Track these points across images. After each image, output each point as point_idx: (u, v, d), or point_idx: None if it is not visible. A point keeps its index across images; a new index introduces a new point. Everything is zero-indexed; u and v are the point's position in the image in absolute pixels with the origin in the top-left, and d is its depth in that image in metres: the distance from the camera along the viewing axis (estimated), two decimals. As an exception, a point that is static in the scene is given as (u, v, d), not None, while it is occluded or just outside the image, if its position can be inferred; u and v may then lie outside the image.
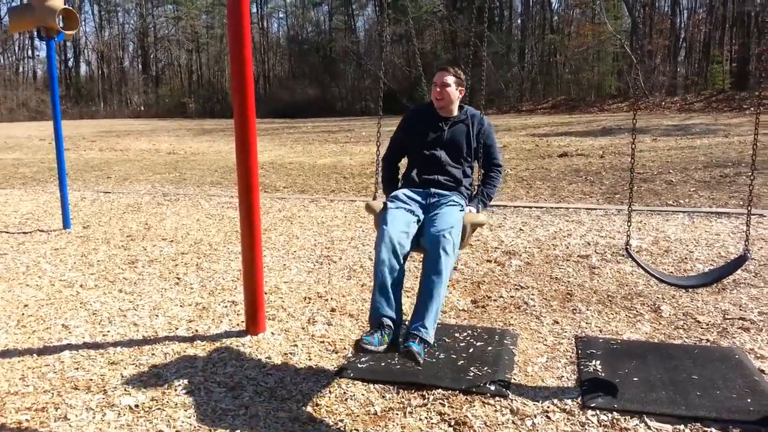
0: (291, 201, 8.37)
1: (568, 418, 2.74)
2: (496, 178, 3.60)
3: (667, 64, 31.74)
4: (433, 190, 3.38)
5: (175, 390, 3.07)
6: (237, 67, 3.54)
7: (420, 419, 2.77)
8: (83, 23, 49.11)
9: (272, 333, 3.79)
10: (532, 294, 4.40)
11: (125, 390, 3.07)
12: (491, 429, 2.68)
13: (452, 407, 2.85)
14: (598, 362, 3.22)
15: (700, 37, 35.10)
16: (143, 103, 47.86)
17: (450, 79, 3.43)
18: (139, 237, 6.38)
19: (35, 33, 6.62)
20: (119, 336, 3.78)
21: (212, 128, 26.87)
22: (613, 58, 33.34)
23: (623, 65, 30.54)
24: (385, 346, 2.82)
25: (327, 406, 2.90)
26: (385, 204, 3.32)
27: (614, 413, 2.75)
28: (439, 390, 2.99)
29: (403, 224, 3.12)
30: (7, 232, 6.69)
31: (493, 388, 2.98)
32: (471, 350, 3.42)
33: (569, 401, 2.88)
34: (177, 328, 3.90)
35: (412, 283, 4.21)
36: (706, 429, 2.61)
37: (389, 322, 2.90)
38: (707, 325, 3.76)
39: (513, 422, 2.73)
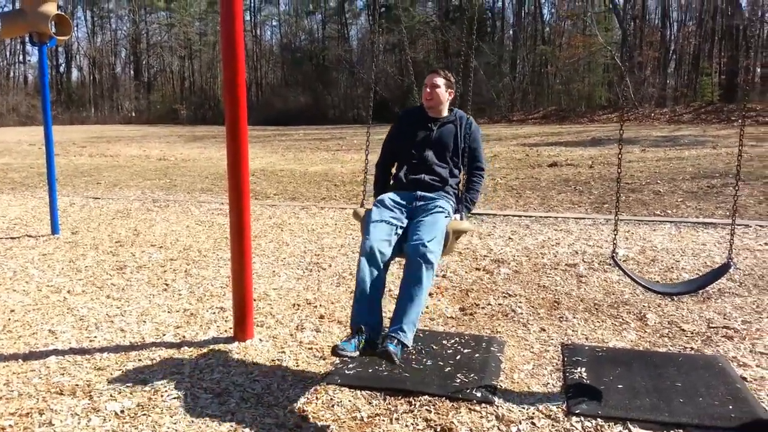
0: (281, 208, 8.38)
1: (553, 425, 2.76)
2: (478, 182, 3.64)
3: (657, 76, 32.02)
4: (419, 193, 3.42)
5: (162, 396, 3.07)
6: (229, 74, 3.56)
7: (406, 425, 2.78)
8: (76, 29, 49.02)
9: (260, 339, 3.79)
10: (520, 302, 4.43)
11: (111, 395, 3.06)
12: (476, 435, 2.69)
13: (438, 413, 2.87)
14: (584, 369, 3.24)
15: (690, 49, 35.49)
16: (134, 109, 47.78)
17: (440, 81, 3.52)
18: (128, 243, 6.37)
19: (27, 38, 6.63)
20: (106, 342, 3.77)
21: (203, 135, 26.84)
22: (603, 70, 33.63)
23: (613, 76, 30.79)
24: (358, 352, 2.87)
25: (314, 413, 2.90)
26: (369, 210, 3.35)
27: (598, 420, 2.77)
28: (426, 396, 3.00)
29: (385, 232, 3.16)
30: (-5, 237, 6.66)
31: (479, 394, 3.00)
32: (458, 357, 3.43)
33: (554, 408, 2.90)
34: (164, 334, 3.89)
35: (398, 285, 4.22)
36: (688, 436, 2.64)
37: (368, 329, 2.95)
38: (692, 333, 3.80)
39: (498, 428, 2.74)
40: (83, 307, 4.39)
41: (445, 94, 3.54)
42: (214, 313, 4.27)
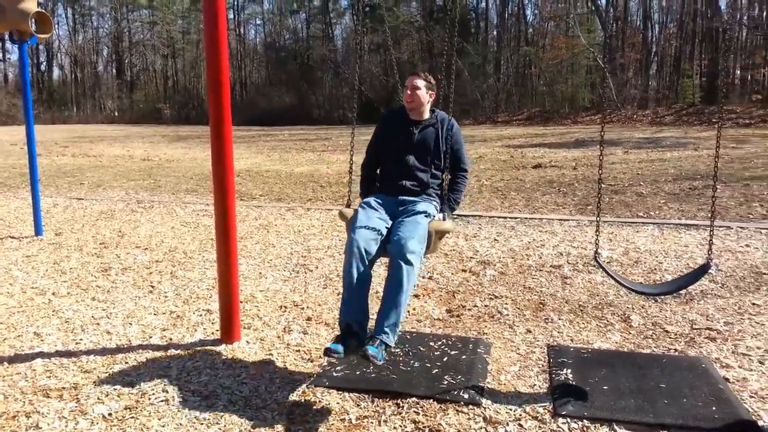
0: (267, 209, 8.36)
1: (539, 426, 2.79)
2: (462, 182, 3.68)
3: (639, 78, 32.34)
4: (401, 197, 3.49)
5: (149, 398, 3.06)
6: (213, 73, 3.56)
7: (394, 427, 2.80)
8: (56, 26, 48.47)
9: (247, 342, 3.79)
10: (506, 303, 4.46)
11: (98, 398, 3.05)
12: (464, 437, 2.72)
13: (426, 415, 2.89)
14: (569, 371, 3.28)
15: (671, 51, 35.86)
16: (117, 109, 47.34)
17: (420, 83, 3.56)
18: (112, 244, 6.32)
19: (7, 36, 6.55)
20: (92, 344, 3.75)
21: (188, 135, 26.68)
22: (586, 71, 33.89)
23: (596, 78, 31.05)
24: (344, 353, 2.93)
25: (302, 415, 2.91)
26: (355, 210, 3.42)
27: (584, 421, 2.81)
28: (414, 398, 3.02)
29: (370, 231, 3.23)
30: (-23, 239, 6.58)
31: (466, 396, 3.02)
32: (445, 359, 3.46)
33: (541, 409, 2.93)
34: (151, 337, 3.88)
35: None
36: (672, 436, 2.69)
37: (355, 327, 3.04)
38: (675, 334, 3.85)
39: (486, 430, 2.77)
40: (68, 309, 4.36)
41: (425, 96, 3.58)
42: (201, 315, 4.26)
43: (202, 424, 2.84)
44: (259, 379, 3.29)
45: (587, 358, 3.45)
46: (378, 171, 3.74)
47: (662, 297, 4.43)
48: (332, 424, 2.83)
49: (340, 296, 4.55)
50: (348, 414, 2.92)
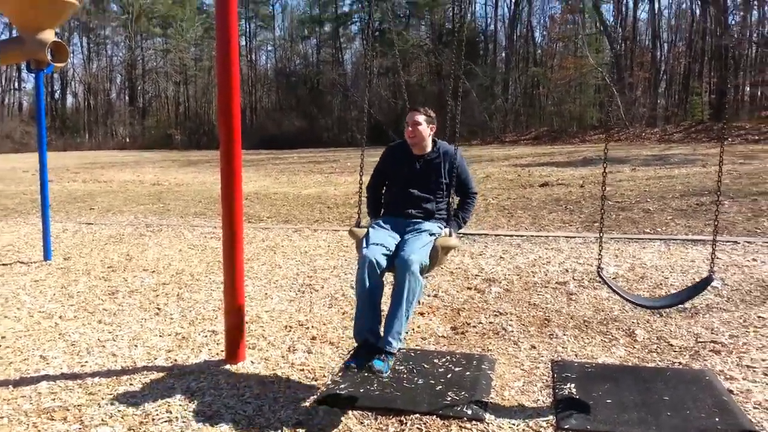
0: (274, 231, 8.41)
1: (541, 441, 2.78)
2: (471, 203, 3.80)
3: (648, 96, 32.36)
4: (408, 220, 3.60)
5: (153, 420, 3.07)
6: (224, 99, 3.63)
7: (396, 444, 2.80)
8: (72, 55, 49.29)
9: (252, 362, 3.81)
10: (511, 320, 4.45)
11: (102, 420, 3.07)
12: (466, 453, 2.71)
13: (429, 431, 2.88)
14: (573, 385, 3.27)
15: (680, 69, 35.90)
16: (129, 135, 47.84)
17: (421, 118, 3.63)
18: (120, 268, 6.38)
19: (24, 65, 6.69)
20: (97, 366, 3.78)
21: (198, 159, 26.92)
22: (594, 91, 33.97)
23: (604, 97, 31.11)
24: (362, 366, 3.10)
25: (305, 433, 2.92)
26: (366, 230, 3.52)
27: (587, 435, 2.79)
28: (417, 415, 3.02)
29: (380, 247, 3.34)
30: (-12, 264, 6.66)
31: (470, 411, 3.02)
32: (449, 375, 3.45)
33: (544, 423, 2.92)
34: (156, 358, 3.90)
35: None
36: (675, 449, 2.66)
37: (372, 339, 3.22)
38: (680, 348, 3.83)
39: (488, 446, 2.76)
40: (75, 332, 4.40)
41: (426, 130, 3.65)
42: (206, 336, 4.28)
43: (204, 443, 2.84)
44: (263, 398, 3.29)
45: (591, 373, 3.44)
46: (383, 193, 3.84)
47: (667, 311, 4.41)
48: (334, 442, 2.83)
49: (353, 312, 4.57)
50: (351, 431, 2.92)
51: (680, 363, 3.61)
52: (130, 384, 3.50)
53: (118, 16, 51.00)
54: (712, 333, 4.05)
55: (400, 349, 3.31)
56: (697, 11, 33.73)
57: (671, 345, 3.88)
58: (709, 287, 4.72)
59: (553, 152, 22.11)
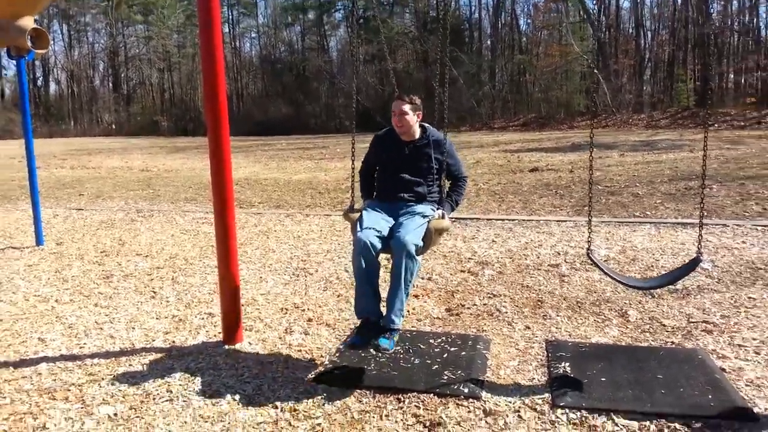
0: (267, 216, 8.41)
1: (538, 417, 2.83)
2: (462, 186, 3.86)
3: (634, 83, 32.53)
4: (401, 203, 3.65)
5: (154, 399, 3.10)
6: (210, 85, 3.62)
7: (396, 421, 2.84)
8: (52, 42, 48.58)
9: (249, 343, 3.83)
10: (504, 302, 4.51)
11: (103, 399, 3.09)
12: (465, 429, 2.76)
13: (427, 409, 2.93)
14: (568, 364, 3.33)
15: (664, 57, 36.09)
16: (114, 122, 47.40)
17: (407, 107, 3.65)
18: (113, 253, 6.37)
19: (5, 52, 6.62)
20: (96, 348, 3.79)
21: (185, 146, 26.75)
22: (580, 77, 34.07)
23: (590, 84, 31.23)
24: (366, 343, 3.31)
25: (305, 411, 2.95)
26: (359, 213, 3.56)
27: (583, 411, 2.85)
28: (414, 393, 3.07)
29: (374, 228, 3.40)
30: (-22, 250, 6.62)
31: (466, 390, 3.07)
32: (445, 355, 3.50)
33: (540, 401, 2.98)
34: (154, 340, 3.92)
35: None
36: (669, 424, 2.73)
37: (373, 318, 3.38)
38: (672, 328, 3.90)
39: (486, 422, 2.81)
40: (71, 315, 4.40)
41: (413, 118, 3.67)
42: (203, 318, 4.30)
43: (206, 422, 2.87)
44: (261, 378, 3.32)
45: (585, 352, 3.50)
46: (374, 177, 3.88)
47: (659, 292, 4.49)
48: (335, 420, 2.87)
49: (348, 294, 4.72)
50: (350, 409, 2.96)
51: (673, 342, 3.68)
52: (130, 365, 3.52)
53: (98, 3, 50.33)
54: (703, 313, 4.12)
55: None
56: (679, 0, 33.89)
57: (664, 325, 3.95)
58: (699, 269, 4.83)
59: (542, 138, 22.20)
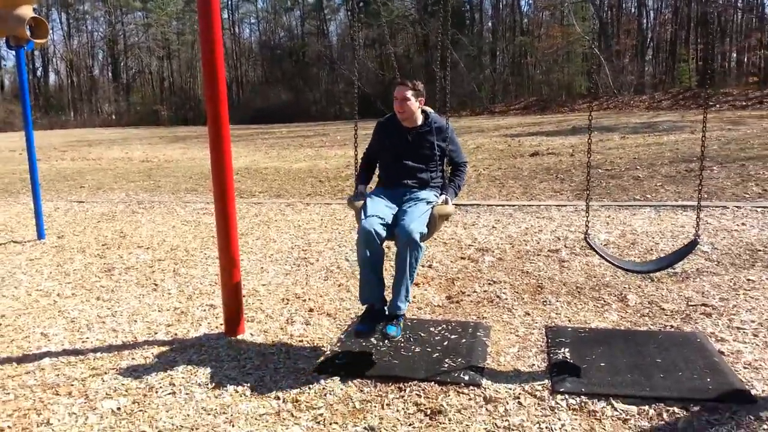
0: (267, 205, 8.42)
1: (538, 403, 2.86)
2: (463, 171, 3.85)
3: (635, 64, 32.33)
4: (404, 190, 3.64)
5: (156, 392, 3.12)
6: (209, 73, 3.61)
7: (397, 410, 2.86)
8: (51, 31, 48.39)
9: (251, 334, 3.86)
10: (504, 288, 4.52)
11: (107, 394, 3.12)
12: (465, 416, 2.78)
13: (428, 397, 2.95)
14: (567, 350, 3.35)
15: (667, 36, 35.84)
16: (114, 112, 47.35)
17: (409, 93, 3.62)
18: (114, 245, 6.39)
19: (4, 42, 6.59)
20: (98, 342, 3.82)
21: (186, 135, 26.73)
22: (582, 59, 33.90)
23: (592, 65, 31.07)
24: (371, 330, 3.36)
25: (307, 402, 2.97)
26: (364, 200, 3.57)
27: (582, 397, 2.87)
28: (415, 381, 3.09)
29: (379, 215, 3.41)
30: (-19, 244, 6.65)
31: (466, 377, 3.09)
32: (446, 343, 3.52)
33: (540, 387, 3.00)
34: (156, 333, 3.94)
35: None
36: (668, 408, 2.75)
37: (378, 305, 3.41)
38: (671, 312, 3.91)
39: (486, 409, 2.83)
40: (74, 309, 4.43)
41: (415, 104, 3.65)
42: (205, 310, 4.33)
43: (209, 414, 2.90)
44: (263, 369, 3.35)
45: (584, 337, 3.52)
46: (376, 165, 3.88)
47: (658, 276, 4.50)
48: (336, 410, 2.89)
49: (349, 283, 4.74)
50: (351, 399, 2.98)
51: (672, 326, 3.70)
52: (132, 358, 3.55)
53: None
54: (702, 296, 4.14)
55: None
56: (683, -23, 33.60)
57: (663, 309, 3.96)
58: (698, 251, 4.84)
59: (543, 122, 22.13)
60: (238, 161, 14.30)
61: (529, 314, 4.00)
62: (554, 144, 14.34)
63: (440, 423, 2.74)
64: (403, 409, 2.87)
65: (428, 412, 2.83)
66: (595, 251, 3.33)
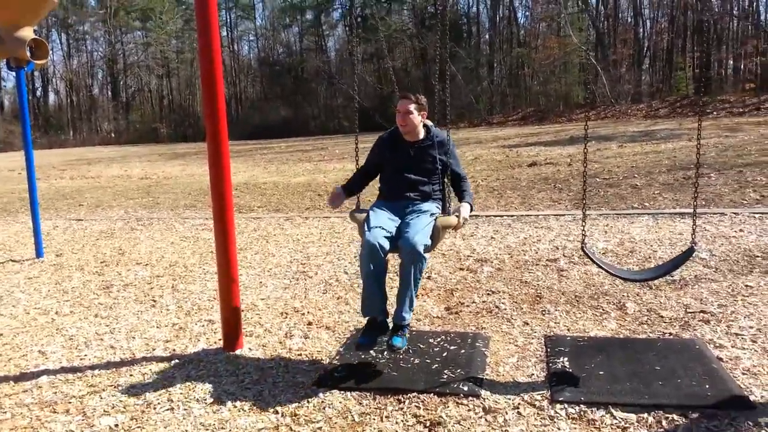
0: (266, 220, 8.43)
1: (538, 413, 2.84)
2: (467, 184, 3.82)
3: (632, 73, 32.46)
4: (407, 202, 3.65)
5: (155, 408, 3.11)
6: (208, 90, 3.63)
7: (396, 422, 2.85)
8: (51, 52, 48.68)
9: (249, 349, 3.85)
10: (503, 298, 4.52)
11: (104, 411, 3.10)
12: (465, 427, 2.77)
13: (427, 409, 2.94)
14: (566, 359, 3.34)
15: (663, 45, 36.01)
16: (114, 130, 47.49)
17: (412, 107, 3.63)
18: (113, 262, 6.39)
19: (4, 63, 6.63)
20: (96, 359, 3.81)
21: (185, 152, 26.79)
22: (579, 69, 34.04)
23: (588, 75, 31.18)
24: (373, 343, 3.39)
25: (306, 416, 2.96)
26: (366, 213, 3.59)
27: (581, 406, 2.86)
28: (414, 393, 3.08)
29: (382, 228, 3.42)
30: (-20, 264, 6.65)
31: (466, 388, 3.08)
32: (445, 354, 3.52)
33: (539, 397, 2.99)
34: (154, 349, 3.93)
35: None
36: (667, 415, 2.74)
37: (380, 318, 3.43)
38: (670, 319, 3.91)
39: (486, 419, 2.82)
40: (72, 327, 4.42)
41: (417, 118, 3.66)
42: (203, 325, 4.32)
43: (207, 429, 2.88)
44: (262, 383, 3.34)
45: (583, 346, 3.51)
46: (368, 180, 3.91)
47: (656, 284, 4.49)
48: (335, 423, 2.88)
49: (348, 296, 4.73)
50: (350, 412, 2.97)
51: (670, 333, 3.69)
52: (130, 375, 3.54)
53: (97, 11, 50.42)
54: (701, 303, 4.13)
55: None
56: (678, -14, 33.82)
57: (661, 316, 3.96)
58: (696, 258, 4.84)
59: (540, 132, 22.18)
60: (237, 176, 14.33)
61: (528, 324, 3.99)
62: (552, 154, 14.37)
63: (439, 434, 2.73)
64: (402, 421, 2.86)
65: (427, 423, 2.82)
66: (593, 260, 3.33)
